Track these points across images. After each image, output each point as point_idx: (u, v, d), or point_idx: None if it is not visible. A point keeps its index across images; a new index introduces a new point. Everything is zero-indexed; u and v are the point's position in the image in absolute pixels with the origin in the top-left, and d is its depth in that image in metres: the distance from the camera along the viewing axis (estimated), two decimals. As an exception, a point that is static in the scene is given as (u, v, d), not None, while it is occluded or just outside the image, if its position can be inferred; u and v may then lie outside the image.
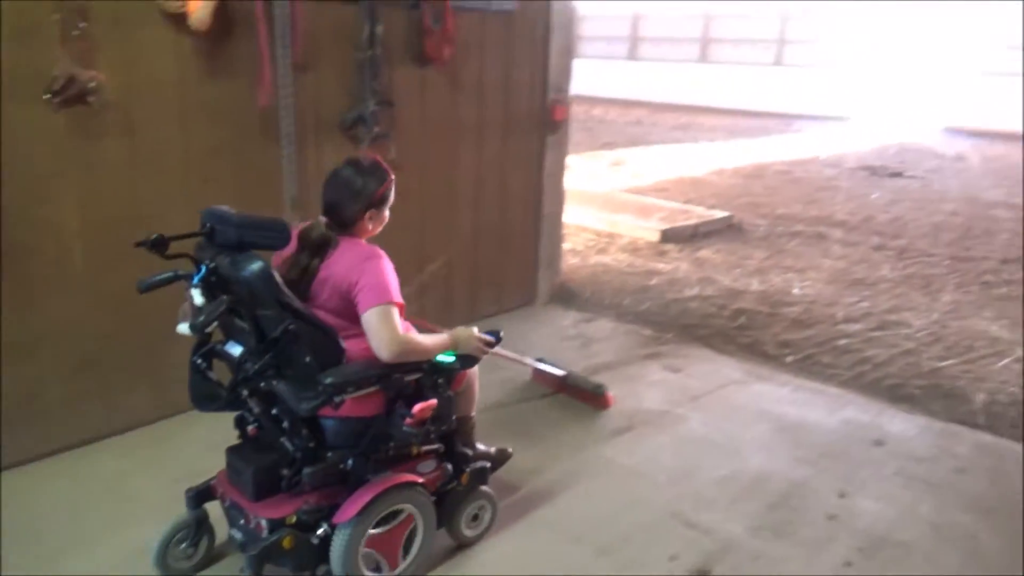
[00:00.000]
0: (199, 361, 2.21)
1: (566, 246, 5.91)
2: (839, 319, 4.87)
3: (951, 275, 5.93)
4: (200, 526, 2.34)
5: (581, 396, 3.57)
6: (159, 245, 2.04)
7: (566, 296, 5.10)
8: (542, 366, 3.58)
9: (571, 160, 10.18)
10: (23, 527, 2.55)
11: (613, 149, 11.95)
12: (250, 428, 2.29)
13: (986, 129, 16.21)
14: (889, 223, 7.68)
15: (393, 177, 2.37)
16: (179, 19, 2.87)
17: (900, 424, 3.50)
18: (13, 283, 2.73)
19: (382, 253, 2.26)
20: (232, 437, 2.32)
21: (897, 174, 10.67)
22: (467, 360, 2.33)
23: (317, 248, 2.22)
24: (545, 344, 4.26)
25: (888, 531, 2.70)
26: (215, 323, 1.97)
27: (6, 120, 2.59)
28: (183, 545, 2.32)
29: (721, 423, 3.44)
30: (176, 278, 2.06)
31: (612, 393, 3.54)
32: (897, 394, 3.84)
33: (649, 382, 3.85)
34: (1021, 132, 15.14)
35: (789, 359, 4.24)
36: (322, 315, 2.16)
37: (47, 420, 2.92)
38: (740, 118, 17.65)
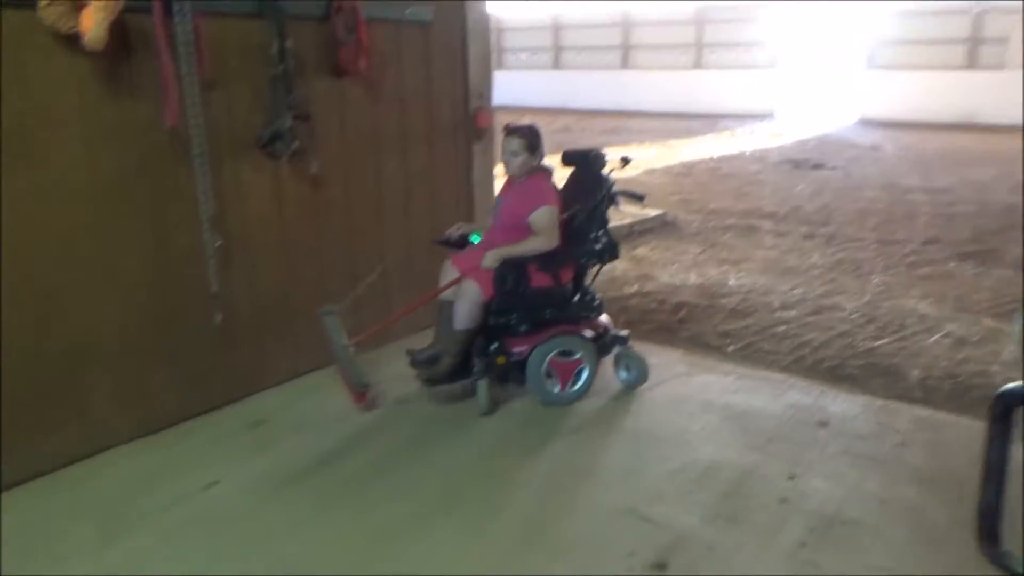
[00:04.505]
0: None
1: (502, 254, 5.86)
2: (776, 306, 4.94)
3: (878, 258, 6.09)
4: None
5: (344, 379, 3.28)
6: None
7: (506, 304, 5.04)
8: (330, 324, 3.37)
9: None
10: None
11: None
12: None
13: (897, 119, 16.92)
14: (816, 212, 7.88)
15: None
16: (73, 40, 2.71)
17: (842, 404, 3.54)
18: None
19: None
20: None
21: (819, 166, 10.99)
22: None
23: None
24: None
25: (838, 510, 2.71)
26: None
27: None
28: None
29: (668, 416, 3.42)
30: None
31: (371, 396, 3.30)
32: (837, 375, 3.89)
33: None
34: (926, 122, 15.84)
35: (731, 348, 4.27)
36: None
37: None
38: (666, 120, 18.00)
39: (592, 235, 3.54)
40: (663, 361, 4.05)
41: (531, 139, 3.41)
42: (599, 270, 3.67)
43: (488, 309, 3.36)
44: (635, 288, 5.37)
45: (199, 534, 2.61)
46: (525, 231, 3.37)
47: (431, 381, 3.43)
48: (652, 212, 7.48)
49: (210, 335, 3.37)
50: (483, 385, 3.39)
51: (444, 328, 3.45)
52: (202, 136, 3.13)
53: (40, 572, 2.42)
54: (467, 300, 3.31)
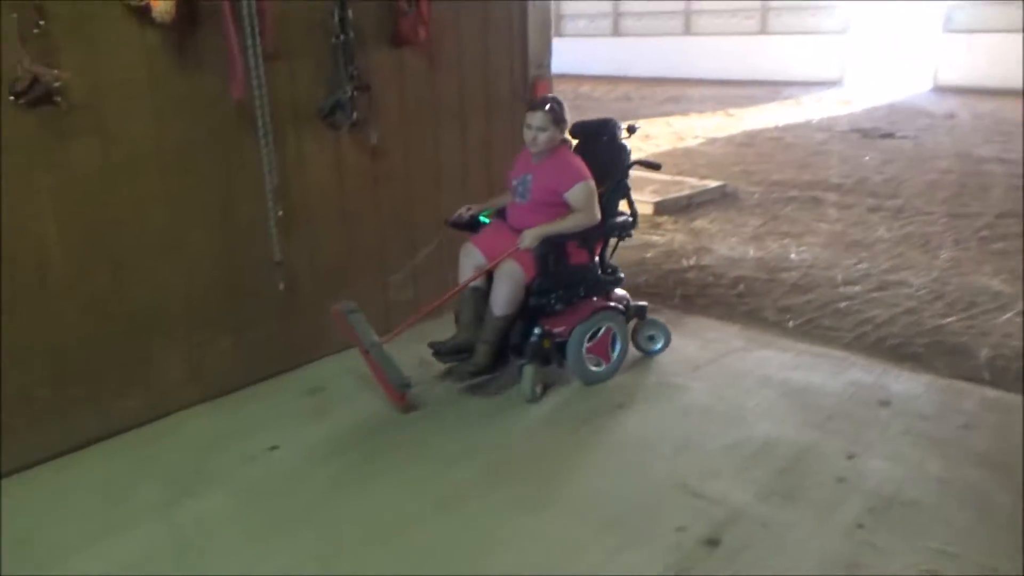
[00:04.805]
0: None
1: (558, 225, 5.84)
2: (838, 282, 4.82)
3: (948, 232, 5.87)
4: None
5: (380, 379, 3.23)
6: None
7: (561, 275, 5.03)
8: (357, 322, 3.28)
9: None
10: (19, 534, 2.51)
11: (602, 127, 11.85)
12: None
13: (974, 85, 16.11)
14: (884, 184, 7.61)
15: None
16: (142, 13, 2.78)
17: (905, 383, 3.45)
18: (-8, 292, 2.68)
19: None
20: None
21: (889, 135, 10.59)
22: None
23: None
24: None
25: (898, 490, 2.65)
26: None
27: (-29, 125, 2.53)
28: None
29: (724, 391, 3.39)
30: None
31: (411, 400, 3.23)
32: (901, 353, 3.79)
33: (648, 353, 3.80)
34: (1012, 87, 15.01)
35: (790, 324, 4.19)
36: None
37: (41, 426, 2.87)
38: (729, 88, 17.55)
39: (618, 207, 3.54)
40: (720, 336, 4.00)
41: (558, 113, 3.28)
42: (619, 242, 3.64)
43: (528, 291, 3.27)
44: (692, 261, 5.30)
45: (262, 495, 2.71)
46: (559, 208, 3.28)
47: (472, 373, 3.29)
48: (712, 183, 7.35)
49: (272, 304, 3.47)
50: (530, 371, 3.29)
51: (473, 316, 3.35)
52: (266, 108, 3.19)
53: (112, 529, 2.54)
54: (509, 283, 3.20)
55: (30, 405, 2.84)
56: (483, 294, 3.32)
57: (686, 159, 9.12)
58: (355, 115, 3.48)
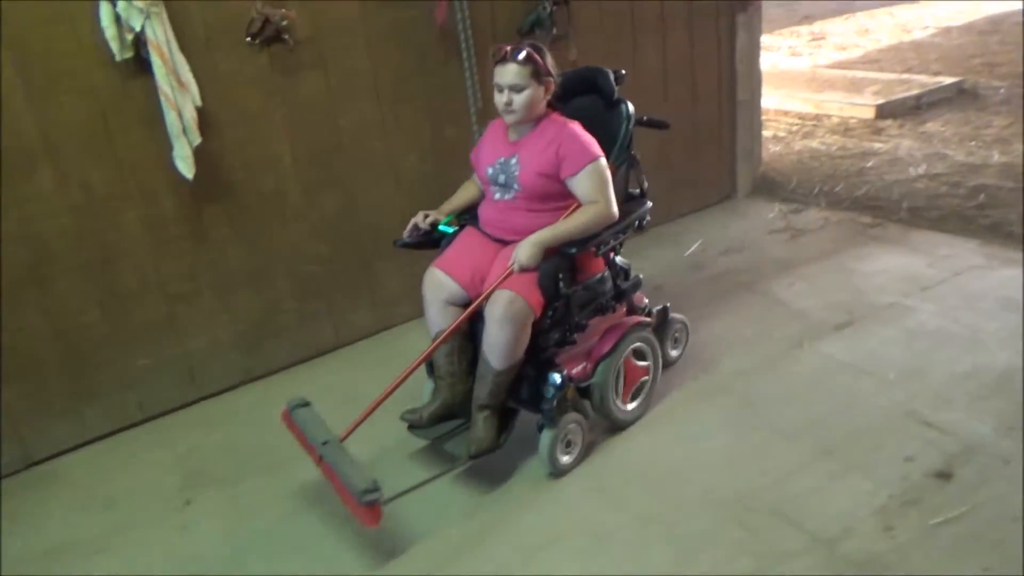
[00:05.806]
0: None
1: (766, 133, 5.51)
2: (1108, 188, 4.15)
3: None
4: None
5: (339, 490, 2.24)
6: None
7: (769, 187, 4.76)
8: (304, 419, 2.47)
9: (767, 39, 9.40)
10: (266, 434, 2.84)
11: (814, 22, 10.83)
12: None
13: None
14: None
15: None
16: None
17: None
18: (240, 217, 3.00)
19: None
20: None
21: None
22: None
23: None
24: (749, 238, 4.04)
25: None
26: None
27: (217, 66, 2.79)
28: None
29: (959, 314, 3.08)
30: None
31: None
32: None
33: (870, 272, 3.53)
34: None
35: (1043, 238, 3.69)
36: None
37: (284, 337, 3.24)
38: (968, -33, 15.23)
39: (627, 188, 2.62)
40: (953, 252, 3.62)
41: (538, 63, 2.30)
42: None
43: (536, 328, 2.35)
44: (922, 169, 4.77)
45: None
46: (562, 201, 2.39)
47: (475, 455, 2.35)
48: (946, 80, 6.51)
49: (480, 223, 3.59)
50: (550, 437, 2.36)
51: (455, 366, 2.45)
52: (468, 31, 3.24)
53: (346, 420, 2.83)
54: (510, 325, 2.24)
55: (276, 318, 3.19)
56: (464, 333, 2.45)
57: (914, 53, 8.13)
58: (555, 30, 3.44)
